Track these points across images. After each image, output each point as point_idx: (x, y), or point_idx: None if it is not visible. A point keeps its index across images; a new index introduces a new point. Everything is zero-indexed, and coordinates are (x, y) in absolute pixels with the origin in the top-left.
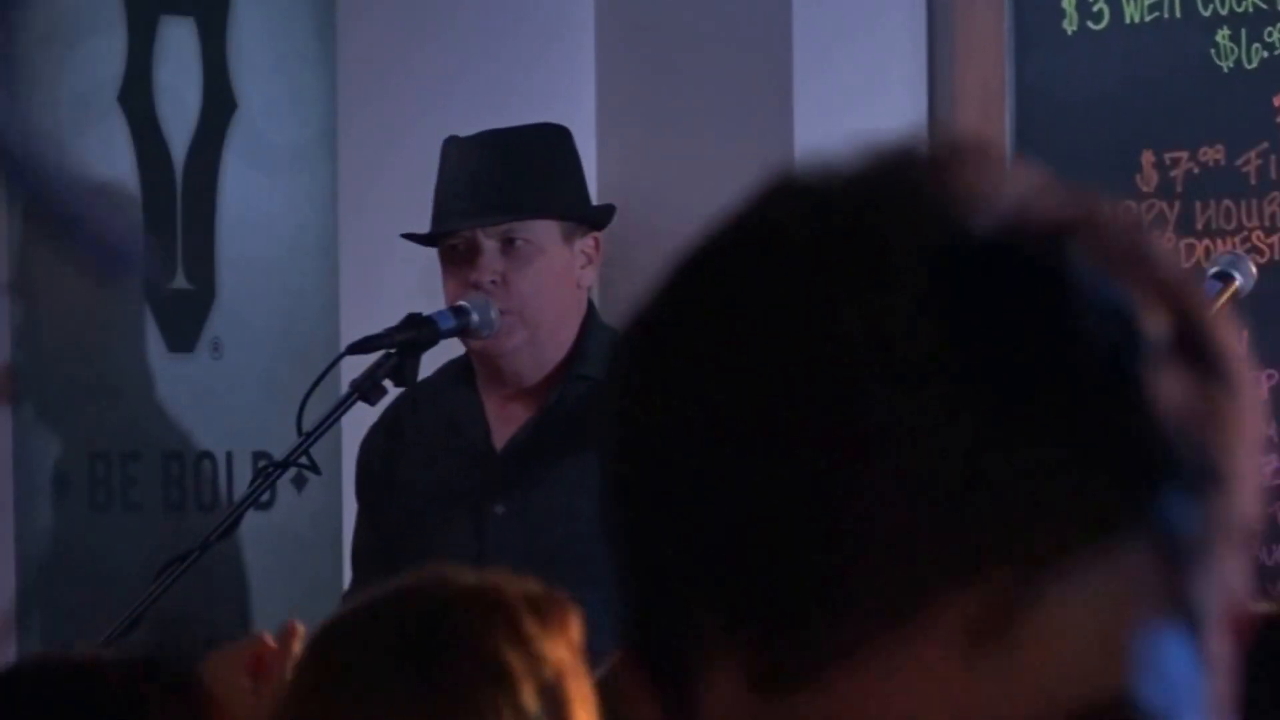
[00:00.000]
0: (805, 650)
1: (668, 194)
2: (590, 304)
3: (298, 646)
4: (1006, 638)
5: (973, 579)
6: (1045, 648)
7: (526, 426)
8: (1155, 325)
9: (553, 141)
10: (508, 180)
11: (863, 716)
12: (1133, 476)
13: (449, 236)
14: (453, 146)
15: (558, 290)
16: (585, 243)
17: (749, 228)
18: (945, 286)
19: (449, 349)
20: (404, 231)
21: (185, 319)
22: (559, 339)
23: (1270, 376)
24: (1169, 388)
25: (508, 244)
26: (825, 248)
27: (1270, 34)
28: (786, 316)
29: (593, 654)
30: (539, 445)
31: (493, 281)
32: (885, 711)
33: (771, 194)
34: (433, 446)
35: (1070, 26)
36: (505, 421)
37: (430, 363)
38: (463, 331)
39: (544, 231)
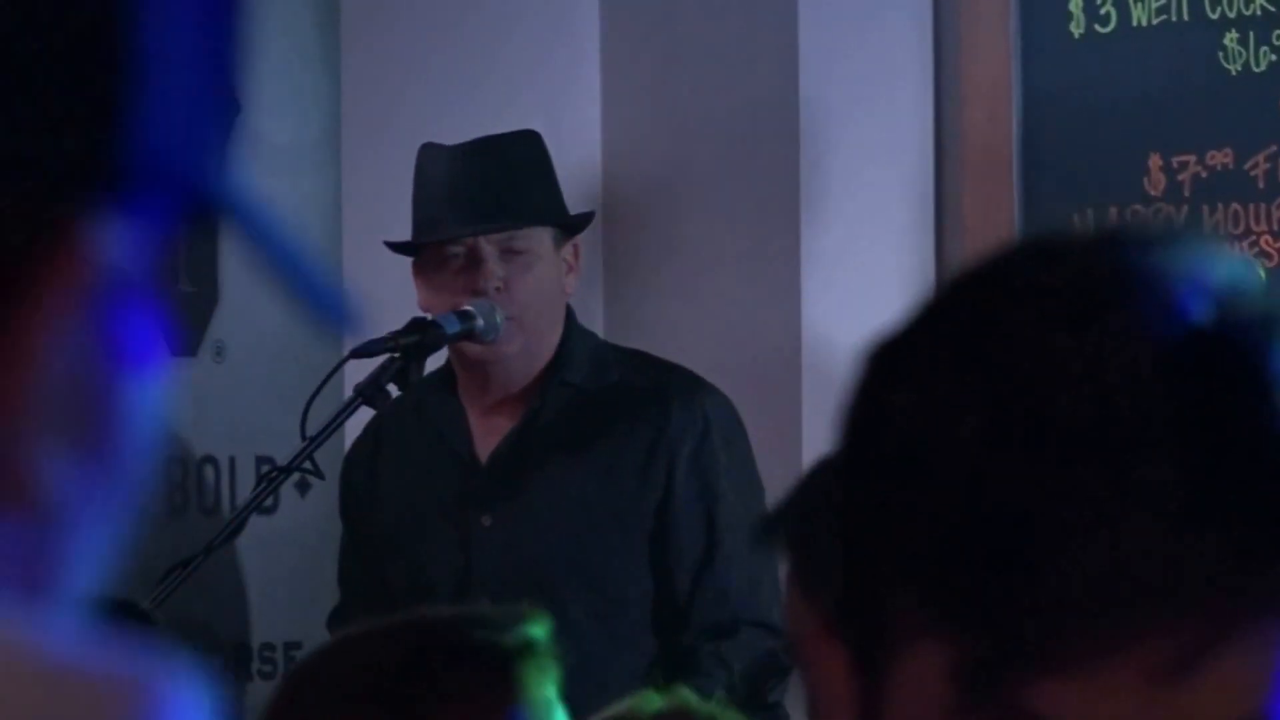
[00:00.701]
0: (1012, 657)
1: (672, 194)
2: (570, 311)
3: None
4: (1190, 677)
5: (1172, 625)
6: (1215, 687)
7: (510, 436)
8: None
9: (533, 149)
10: (506, 188)
11: None
12: None
13: (446, 243)
14: (439, 154)
15: (552, 296)
16: (568, 250)
17: (990, 294)
18: (1167, 373)
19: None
20: (402, 239)
21: (188, 322)
22: (549, 345)
23: None
24: None
25: (506, 251)
26: (1056, 321)
27: (1279, 37)
28: (1020, 373)
29: (580, 663)
30: (523, 454)
31: (495, 288)
32: None
33: (1013, 263)
34: (416, 459)
35: (1077, 29)
36: (489, 432)
37: (432, 367)
38: (468, 335)
39: (540, 239)
